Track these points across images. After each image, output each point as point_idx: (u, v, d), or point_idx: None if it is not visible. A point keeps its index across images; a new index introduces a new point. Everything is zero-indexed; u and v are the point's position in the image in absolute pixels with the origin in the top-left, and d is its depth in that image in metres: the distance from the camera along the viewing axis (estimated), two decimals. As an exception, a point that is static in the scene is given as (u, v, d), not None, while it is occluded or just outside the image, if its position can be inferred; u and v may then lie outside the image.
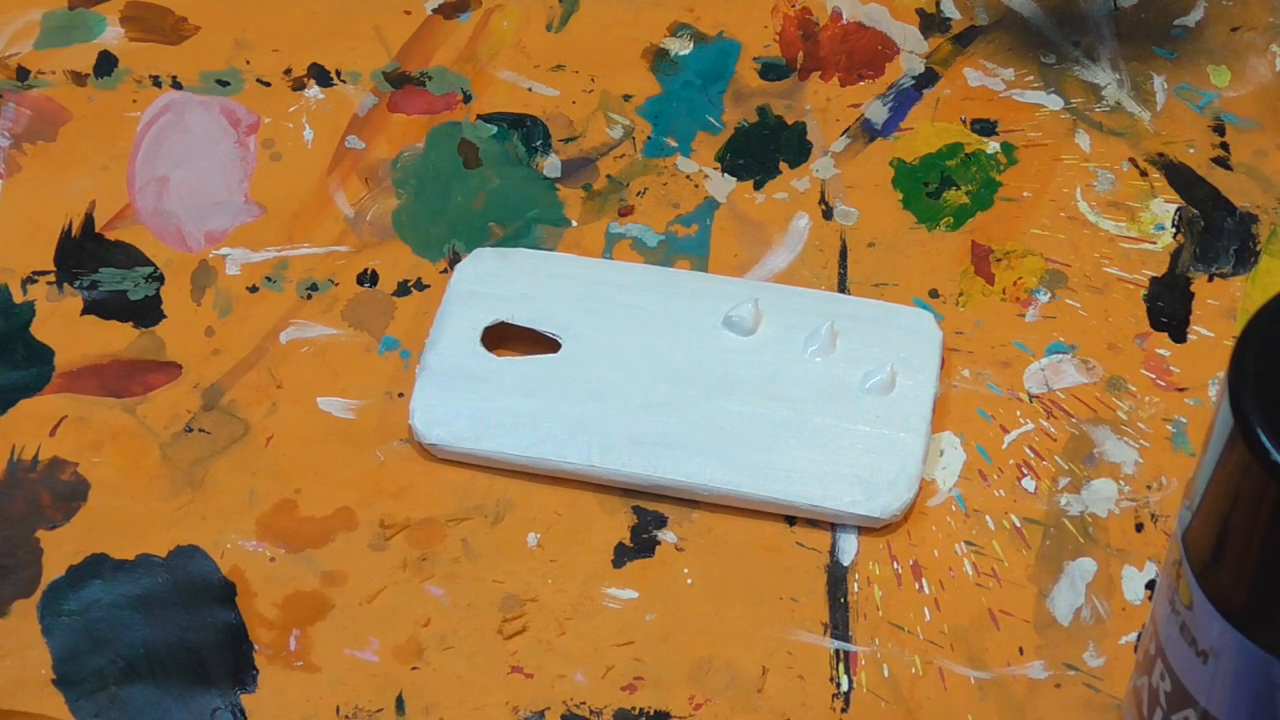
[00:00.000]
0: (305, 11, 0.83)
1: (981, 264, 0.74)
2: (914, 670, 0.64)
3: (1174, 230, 0.75)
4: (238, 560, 0.67)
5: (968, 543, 0.67)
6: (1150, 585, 0.66)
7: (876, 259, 0.74)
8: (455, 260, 0.75)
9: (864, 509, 0.67)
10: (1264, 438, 0.47)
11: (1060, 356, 0.71)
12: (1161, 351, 0.71)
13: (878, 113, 0.79)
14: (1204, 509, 0.50)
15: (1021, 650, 0.65)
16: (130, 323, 0.74)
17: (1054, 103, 0.79)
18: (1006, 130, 0.78)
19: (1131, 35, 0.81)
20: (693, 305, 0.72)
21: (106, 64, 0.81)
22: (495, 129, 0.79)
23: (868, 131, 0.78)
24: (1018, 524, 0.67)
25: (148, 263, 0.75)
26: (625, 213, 0.76)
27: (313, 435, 0.70)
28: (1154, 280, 0.73)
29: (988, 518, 0.68)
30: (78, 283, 0.75)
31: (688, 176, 0.77)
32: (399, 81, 0.80)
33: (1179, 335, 0.72)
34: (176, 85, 0.80)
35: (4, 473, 0.70)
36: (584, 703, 0.64)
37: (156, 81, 0.81)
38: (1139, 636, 0.65)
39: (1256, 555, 0.49)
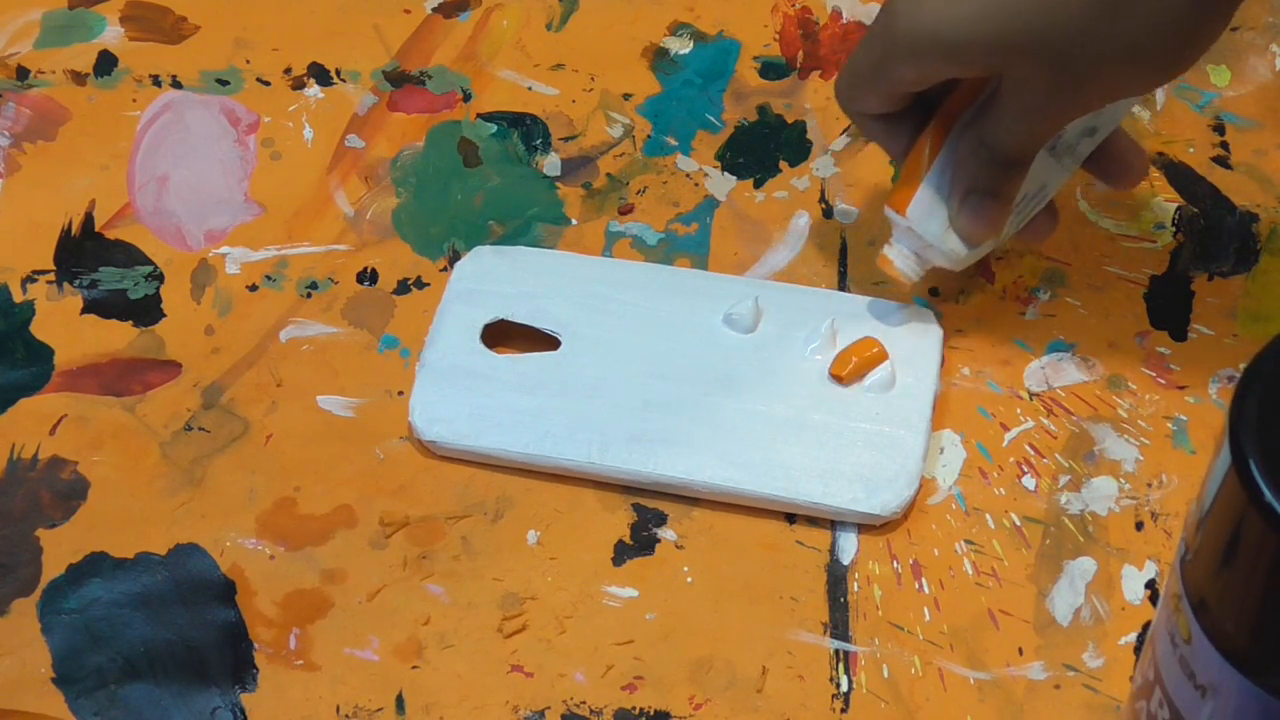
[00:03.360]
0: (305, 11, 0.83)
1: (981, 262, 0.74)
2: (914, 670, 0.64)
3: (1174, 229, 0.75)
4: (237, 558, 0.67)
5: (968, 541, 0.67)
6: (1150, 585, 0.66)
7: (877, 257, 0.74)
8: (455, 258, 0.75)
9: (864, 506, 0.67)
10: (1262, 483, 0.46)
11: (1060, 354, 0.71)
12: (1162, 349, 0.71)
13: (878, 112, 0.79)
14: (1202, 547, 0.49)
15: (1021, 650, 0.65)
16: (130, 322, 0.73)
17: (1054, 102, 0.79)
18: (1006, 129, 0.78)
19: (1132, 34, 0.81)
20: (693, 303, 0.72)
21: (106, 63, 0.81)
22: (495, 128, 0.79)
23: (868, 130, 0.78)
24: (1018, 522, 0.67)
25: (148, 262, 0.75)
26: (625, 211, 0.76)
27: (312, 433, 0.70)
28: (1154, 279, 0.73)
29: (988, 516, 0.68)
30: (77, 282, 0.75)
31: (688, 175, 0.77)
32: (399, 80, 0.80)
33: (1179, 333, 0.72)
34: (176, 84, 0.80)
35: (4, 471, 0.70)
36: (584, 702, 0.64)
37: (156, 81, 0.81)
38: (1138, 637, 0.65)
39: (1255, 598, 0.48)
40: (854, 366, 0.69)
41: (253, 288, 0.74)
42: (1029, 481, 0.68)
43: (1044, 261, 0.74)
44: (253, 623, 0.66)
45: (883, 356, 0.69)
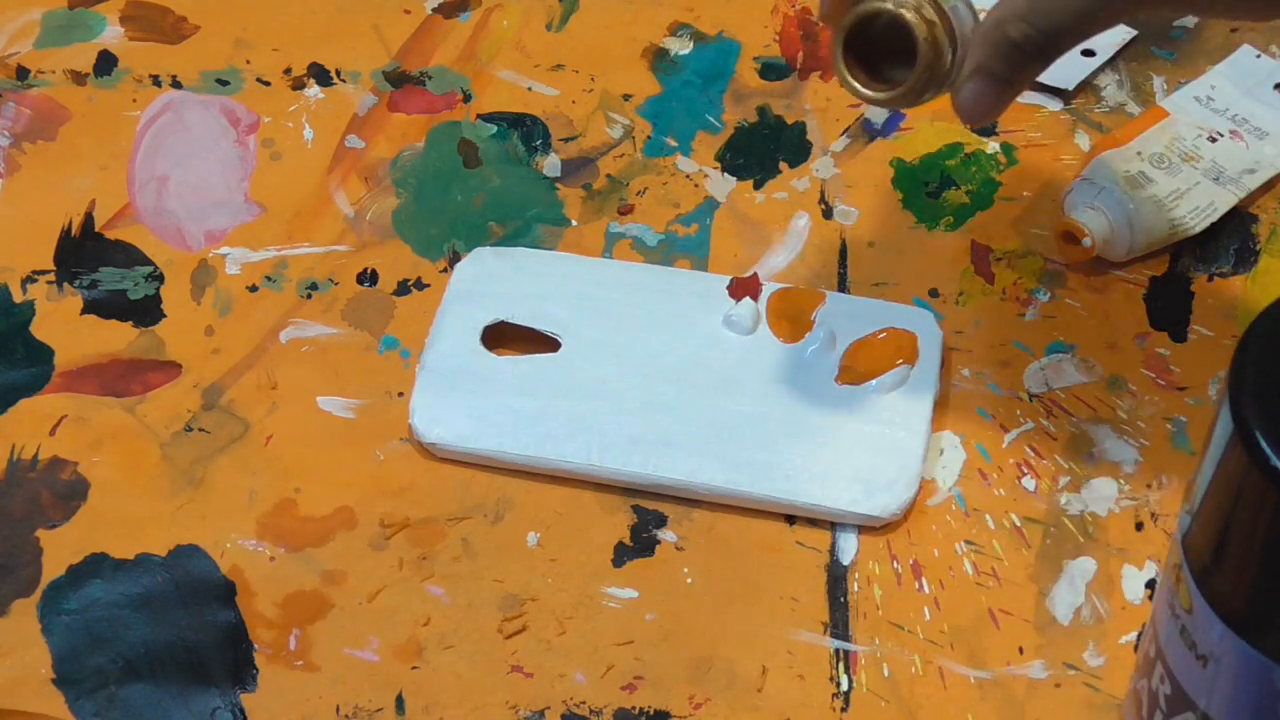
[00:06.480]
0: (305, 11, 0.83)
1: (981, 263, 0.74)
2: (914, 670, 0.64)
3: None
4: (238, 559, 0.67)
5: (968, 542, 0.67)
6: (1150, 584, 0.66)
7: (876, 258, 0.74)
8: (455, 259, 0.75)
9: (864, 508, 0.67)
10: (1263, 443, 0.47)
11: (1060, 356, 0.71)
12: (1161, 350, 0.71)
13: (877, 113, 0.79)
14: (1203, 513, 0.50)
15: (1021, 650, 0.65)
16: (130, 322, 0.74)
17: (1054, 103, 0.79)
18: (1006, 130, 0.78)
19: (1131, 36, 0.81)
20: (692, 305, 0.72)
21: (106, 63, 0.81)
22: (495, 128, 0.79)
23: (867, 131, 0.78)
24: (1018, 523, 0.67)
25: (148, 262, 0.75)
26: (625, 212, 0.76)
27: (312, 434, 0.70)
28: (1154, 280, 0.73)
29: (987, 517, 0.68)
30: (77, 282, 0.75)
31: (687, 176, 0.77)
32: (399, 81, 0.80)
33: (1179, 334, 0.72)
34: (176, 84, 0.80)
35: (4, 472, 0.70)
36: (584, 702, 0.64)
37: (156, 81, 0.81)
38: (1139, 636, 0.65)
39: (1256, 560, 0.49)
40: (866, 368, 0.69)
41: (253, 288, 0.74)
42: (1029, 482, 0.68)
43: (1044, 263, 0.74)
44: (253, 624, 0.66)
45: (910, 359, 0.69)
